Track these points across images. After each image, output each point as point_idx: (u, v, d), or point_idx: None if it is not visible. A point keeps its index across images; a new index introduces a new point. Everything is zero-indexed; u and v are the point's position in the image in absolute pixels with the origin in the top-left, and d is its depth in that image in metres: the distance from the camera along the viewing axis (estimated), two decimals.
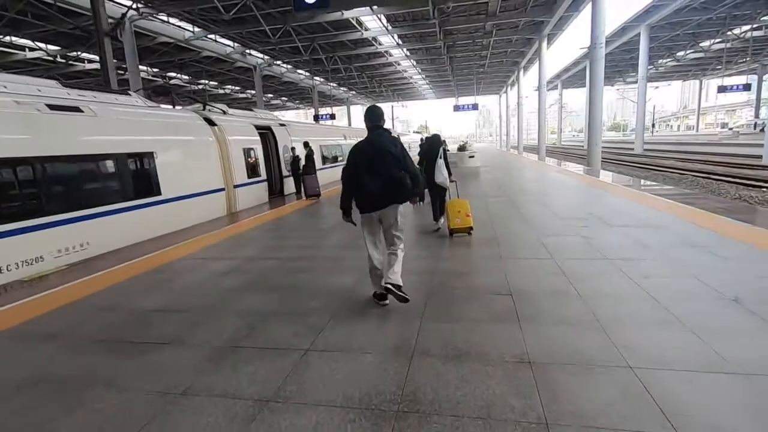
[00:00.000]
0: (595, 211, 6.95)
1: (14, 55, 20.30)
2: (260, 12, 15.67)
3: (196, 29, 18.64)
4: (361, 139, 3.53)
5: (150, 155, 7.74)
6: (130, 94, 8.98)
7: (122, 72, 18.60)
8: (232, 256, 5.55)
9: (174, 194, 8.16)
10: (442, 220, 6.44)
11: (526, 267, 4.34)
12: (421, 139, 11.42)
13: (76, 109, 6.59)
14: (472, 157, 18.88)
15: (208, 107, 11.02)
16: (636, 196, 8.29)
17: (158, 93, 28.91)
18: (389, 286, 3.33)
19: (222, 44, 21.66)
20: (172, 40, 18.61)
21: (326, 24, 18.92)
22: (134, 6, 15.33)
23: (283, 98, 43.30)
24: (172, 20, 17.67)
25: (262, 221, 8.17)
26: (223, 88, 34.57)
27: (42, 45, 19.01)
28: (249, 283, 4.36)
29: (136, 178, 7.50)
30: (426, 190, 6.12)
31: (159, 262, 5.37)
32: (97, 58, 21.04)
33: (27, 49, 19.95)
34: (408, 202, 3.52)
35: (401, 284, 3.38)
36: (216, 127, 9.75)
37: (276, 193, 12.27)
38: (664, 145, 36.87)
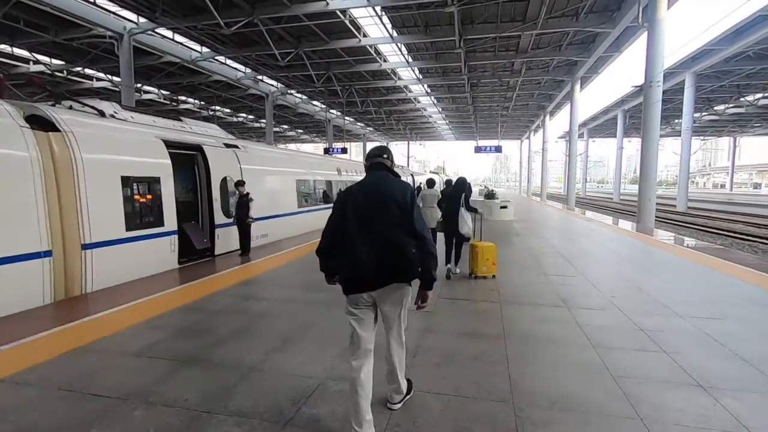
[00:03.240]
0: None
1: (17, 67, 19.40)
2: (267, 28, 14.25)
3: (204, 50, 17.48)
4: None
5: None
6: None
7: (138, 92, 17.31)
8: None
9: None
10: (456, 269, 6.42)
11: None
12: (429, 181, 8.71)
13: None
14: (505, 207, 15.12)
15: (70, 104, 6.68)
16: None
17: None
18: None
19: (233, 69, 20.57)
20: (178, 60, 17.44)
21: (342, 51, 17.54)
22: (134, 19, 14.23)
23: (299, 130, 42.51)
24: (179, 39, 16.55)
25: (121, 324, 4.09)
26: (237, 116, 33.77)
27: (41, 57, 18.03)
28: None
29: None
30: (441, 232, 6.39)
31: None
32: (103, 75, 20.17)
33: (31, 62, 19.05)
34: (414, 289, 2.45)
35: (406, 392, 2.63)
36: (52, 136, 5.41)
37: (202, 253, 7.84)
38: (705, 203, 33.76)
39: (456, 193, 6.22)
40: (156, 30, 15.06)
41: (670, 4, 11.73)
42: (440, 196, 7.75)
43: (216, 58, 18.43)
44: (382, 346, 2.52)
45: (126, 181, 6.25)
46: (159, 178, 6.83)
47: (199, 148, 8.07)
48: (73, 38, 15.08)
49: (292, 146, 50.79)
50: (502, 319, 4.25)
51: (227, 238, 8.31)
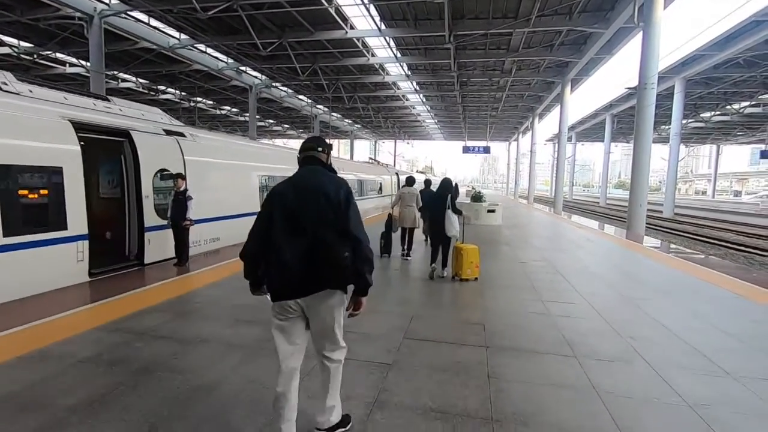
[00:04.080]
0: None
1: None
2: (247, 14, 13.49)
3: (183, 36, 16.62)
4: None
5: None
6: None
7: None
8: None
9: None
10: (443, 272, 6.19)
11: None
12: (408, 179, 8.13)
13: None
14: (492, 211, 14.20)
15: None
16: None
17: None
18: None
19: (215, 58, 19.71)
20: (155, 47, 16.54)
21: (328, 43, 16.86)
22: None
23: (285, 125, 41.59)
24: (155, 24, 15.67)
25: None
26: (221, 109, 32.75)
27: (8, 39, 16.93)
28: None
29: None
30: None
31: None
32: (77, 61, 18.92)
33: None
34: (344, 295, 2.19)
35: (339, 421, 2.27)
36: None
37: (129, 261, 6.54)
38: (691, 210, 33.77)
39: (441, 194, 6.05)
40: (130, 13, 14.20)
41: (667, 4, 11.40)
42: (419, 196, 7.51)
43: (195, 46, 17.58)
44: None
45: (5, 172, 4.80)
46: (61, 168, 5.38)
47: (125, 134, 6.54)
48: (40, 18, 14.10)
49: (279, 141, 49.76)
50: (489, 380, 3.01)
51: (162, 244, 6.83)
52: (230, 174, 9.50)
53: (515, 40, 16.26)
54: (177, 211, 6.45)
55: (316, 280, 2.07)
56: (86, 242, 5.67)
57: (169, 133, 7.69)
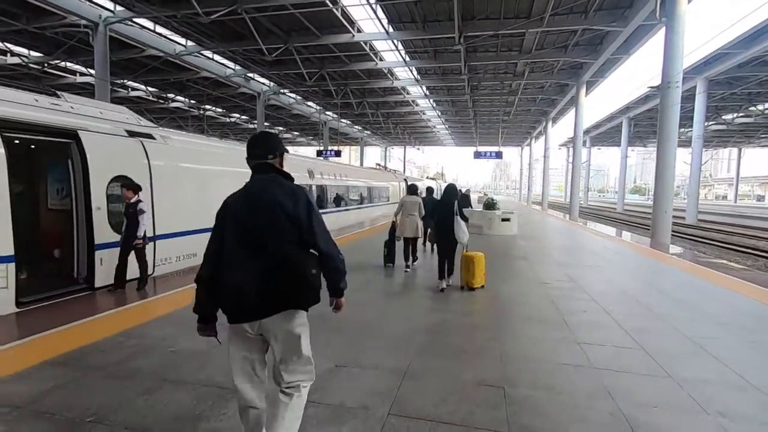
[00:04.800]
0: None
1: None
2: (251, 17, 13.20)
3: (189, 43, 16.49)
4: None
5: None
6: None
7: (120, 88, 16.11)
8: None
9: None
10: (449, 281, 5.95)
11: None
12: (410, 187, 7.72)
13: None
14: (507, 220, 13.01)
15: None
16: None
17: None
18: None
19: (222, 65, 19.58)
20: (161, 54, 16.44)
21: (335, 47, 16.53)
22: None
23: (294, 132, 41.54)
24: (160, 30, 15.56)
25: None
26: (230, 117, 32.78)
27: (18, 49, 17.03)
28: None
29: None
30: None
31: None
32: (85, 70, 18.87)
33: (9, 54, 18.01)
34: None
35: None
36: None
37: (78, 285, 5.50)
38: (714, 216, 31.88)
39: (448, 200, 5.87)
40: (135, 20, 14.09)
41: None
42: (422, 204, 7.14)
43: (202, 53, 17.46)
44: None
45: None
46: None
47: (73, 135, 5.48)
48: (46, 26, 14.08)
49: (291, 149, 49.70)
50: None
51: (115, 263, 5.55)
52: (209, 181, 8.11)
53: (528, 41, 15.71)
54: (128, 228, 5.42)
55: (276, 300, 1.87)
56: (11, 265, 4.62)
57: (132, 134, 6.57)
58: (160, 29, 15.44)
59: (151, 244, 6.17)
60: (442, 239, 5.88)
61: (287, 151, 2.16)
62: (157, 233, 6.46)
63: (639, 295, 5.92)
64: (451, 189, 6.07)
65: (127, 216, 5.45)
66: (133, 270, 5.57)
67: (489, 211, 13.32)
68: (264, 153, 2.03)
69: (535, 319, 4.66)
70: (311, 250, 1.96)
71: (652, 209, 10.51)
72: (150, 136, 6.96)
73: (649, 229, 22.10)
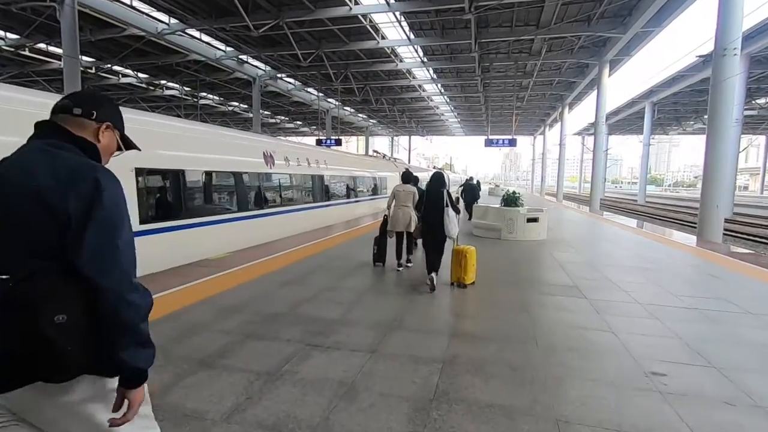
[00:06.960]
0: None
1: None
2: (241, 1, 11.70)
3: (172, 21, 15.05)
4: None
5: None
6: None
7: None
8: None
9: None
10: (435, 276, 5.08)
11: None
12: (404, 175, 6.45)
13: None
14: (534, 220, 9.47)
15: None
16: None
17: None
18: None
19: (212, 47, 18.13)
20: (143, 33, 15.05)
21: (330, 21, 14.89)
22: None
23: (297, 122, 40.09)
24: (142, 7, 14.17)
25: None
26: (228, 105, 31.41)
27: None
28: None
29: None
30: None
31: None
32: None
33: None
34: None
35: None
36: None
37: None
38: (745, 208, 29.03)
39: (436, 190, 5.18)
40: None
41: None
42: (416, 194, 6.07)
43: (188, 32, 16.03)
44: None
45: None
46: None
47: None
48: (10, 2, 12.77)
49: (293, 138, 48.36)
50: None
51: None
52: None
53: (547, 13, 13.96)
54: None
55: (16, 364, 1.02)
56: None
57: None
58: (138, 4, 14.04)
59: None
60: (428, 234, 5.27)
61: (121, 125, 1.28)
62: None
63: None
64: (438, 177, 5.35)
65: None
66: None
67: (509, 208, 9.62)
68: (65, 107, 1.16)
69: None
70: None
71: (700, 203, 8.86)
72: None
73: (681, 224, 20.31)
